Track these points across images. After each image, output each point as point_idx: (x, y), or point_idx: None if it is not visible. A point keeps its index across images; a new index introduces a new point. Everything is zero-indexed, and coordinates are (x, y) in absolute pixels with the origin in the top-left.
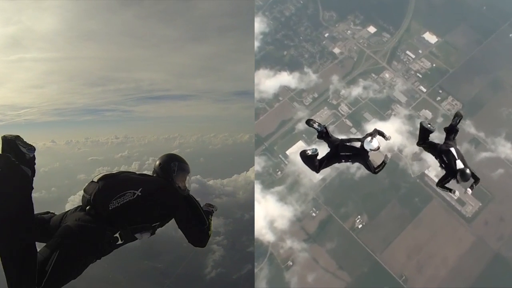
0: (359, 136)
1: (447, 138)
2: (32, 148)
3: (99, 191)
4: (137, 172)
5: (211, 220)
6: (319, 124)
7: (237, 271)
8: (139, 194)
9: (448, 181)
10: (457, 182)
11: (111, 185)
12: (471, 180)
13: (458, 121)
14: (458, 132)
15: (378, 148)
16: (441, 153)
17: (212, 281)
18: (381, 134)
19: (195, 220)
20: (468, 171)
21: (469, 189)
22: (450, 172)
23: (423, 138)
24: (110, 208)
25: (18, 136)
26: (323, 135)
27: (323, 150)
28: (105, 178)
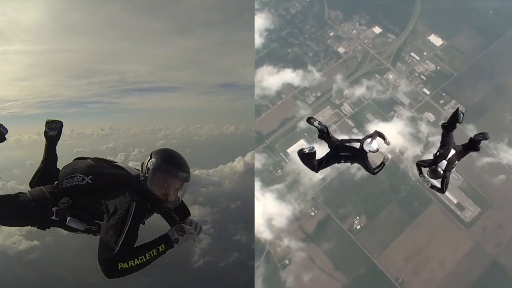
0: (360, 137)
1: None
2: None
3: (63, 168)
4: (122, 164)
5: (149, 256)
6: (320, 123)
7: (224, 259)
8: (89, 181)
9: (424, 166)
10: (426, 173)
11: (71, 165)
12: (437, 182)
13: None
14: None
15: (377, 150)
16: (445, 146)
17: (199, 269)
18: (382, 136)
19: (113, 238)
20: (440, 173)
21: (426, 180)
22: (432, 163)
23: (451, 123)
24: (62, 186)
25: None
26: (324, 134)
27: (322, 150)
28: (77, 158)
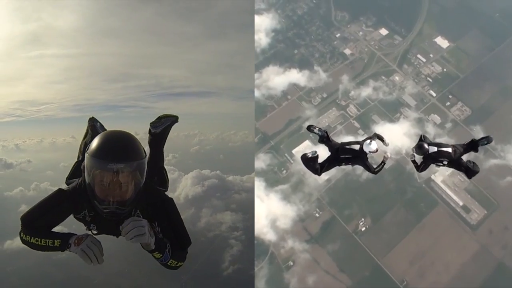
0: (360, 139)
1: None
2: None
3: None
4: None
5: (44, 243)
6: (319, 129)
7: (254, 267)
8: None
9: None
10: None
11: None
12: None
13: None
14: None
15: (377, 150)
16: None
17: (229, 278)
18: (380, 138)
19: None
20: (424, 149)
21: (412, 153)
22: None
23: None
24: None
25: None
26: (324, 139)
27: (326, 152)
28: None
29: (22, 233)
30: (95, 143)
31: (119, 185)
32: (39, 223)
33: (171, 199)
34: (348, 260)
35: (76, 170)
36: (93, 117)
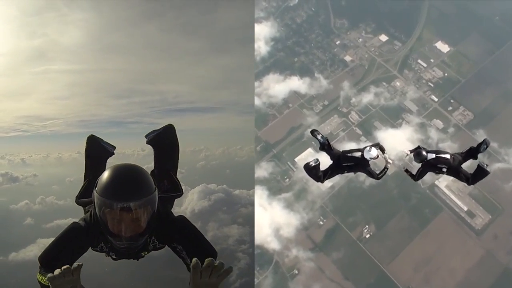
0: (365, 146)
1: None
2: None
3: None
4: None
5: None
6: (322, 136)
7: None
8: None
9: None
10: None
11: None
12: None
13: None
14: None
15: (377, 156)
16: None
17: None
18: (382, 149)
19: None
20: (422, 156)
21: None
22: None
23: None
24: None
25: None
26: (325, 147)
27: (325, 159)
28: None
29: (39, 274)
30: (103, 181)
31: (131, 221)
32: (57, 262)
33: (181, 216)
34: (352, 268)
35: (86, 191)
36: (91, 135)
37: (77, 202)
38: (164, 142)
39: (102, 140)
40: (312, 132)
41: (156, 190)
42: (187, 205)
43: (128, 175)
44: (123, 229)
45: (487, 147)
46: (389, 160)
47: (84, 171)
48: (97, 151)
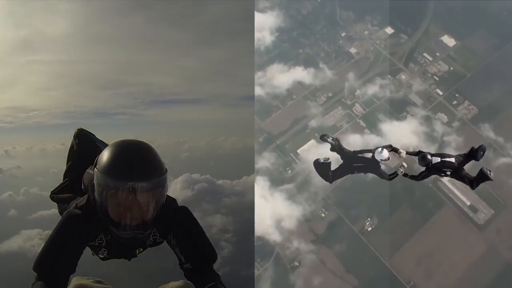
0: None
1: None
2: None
3: None
4: None
5: None
6: (333, 138)
7: (244, 269)
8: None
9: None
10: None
11: None
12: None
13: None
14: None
15: (388, 158)
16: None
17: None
18: (395, 150)
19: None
20: (428, 159)
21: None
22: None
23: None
24: None
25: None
26: (336, 148)
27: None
28: None
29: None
30: (106, 157)
31: (138, 206)
32: (59, 268)
33: (184, 207)
34: (354, 261)
35: (63, 191)
36: (80, 129)
37: (52, 198)
38: None
39: (94, 136)
40: (322, 137)
41: (167, 172)
42: (171, 195)
43: (138, 151)
44: (130, 215)
45: (483, 153)
46: (403, 164)
47: (65, 171)
48: (87, 150)
